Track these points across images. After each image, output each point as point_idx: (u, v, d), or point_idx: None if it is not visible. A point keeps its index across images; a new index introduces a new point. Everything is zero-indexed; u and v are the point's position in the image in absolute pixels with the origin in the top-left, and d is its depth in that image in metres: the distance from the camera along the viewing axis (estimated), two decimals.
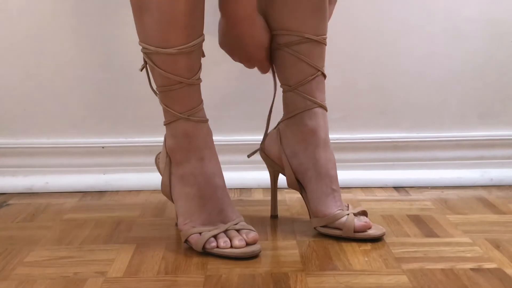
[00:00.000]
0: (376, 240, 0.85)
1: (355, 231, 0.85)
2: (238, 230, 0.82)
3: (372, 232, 0.86)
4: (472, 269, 0.75)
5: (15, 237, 0.91)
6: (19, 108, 1.17)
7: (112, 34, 1.14)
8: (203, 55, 0.85)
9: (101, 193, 1.16)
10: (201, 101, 0.85)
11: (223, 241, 0.80)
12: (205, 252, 0.80)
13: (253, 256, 0.79)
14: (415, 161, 1.19)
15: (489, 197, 1.09)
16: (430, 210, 1.01)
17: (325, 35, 0.88)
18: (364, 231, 0.86)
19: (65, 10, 1.12)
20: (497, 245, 0.83)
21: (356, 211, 0.88)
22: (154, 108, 1.17)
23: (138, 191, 1.16)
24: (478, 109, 1.19)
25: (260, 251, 0.80)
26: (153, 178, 1.17)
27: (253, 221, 0.95)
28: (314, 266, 0.77)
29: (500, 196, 1.10)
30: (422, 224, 0.94)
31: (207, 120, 0.85)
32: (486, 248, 0.82)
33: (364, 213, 0.89)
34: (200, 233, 0.81)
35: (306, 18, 0.86)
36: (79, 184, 1.17)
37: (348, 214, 0.86)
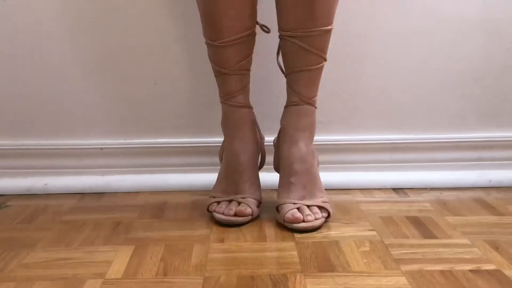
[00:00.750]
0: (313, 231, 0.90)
1: (284, 221, 0.91)
2: (240, 203, 0.94)
3: (297, 225, 0.89)
4: (471, 271, 0.75)
5: (14, 238, 0.91)
6: (18, 110, 1.17)
7: (112, 35, 1.13)
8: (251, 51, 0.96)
9: (100, 194, 1.16)
10: (238, 89, 0.96)
11: (219, 207, 0.95)
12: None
13: (232, 225, 0.93)
14: (414, 162, 1.19)
15: (488, 198, 1.10)
16: (429, 212, 1.01)
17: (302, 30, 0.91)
18: (292, 223, 0.90)
19: (65, 11, 1.12)
20: (496, 247, 0.83)
21: (313, 203, 0.92)
22: (153, 110, 1.17)
23: (136, 193, 1.16)
24: (477, 111, 1.19)
25: (241, 224, 0.93)
26: (152, 179, 1.18)
27: (253, 221, 0.95)
28: (312, 268, 0.77)
29: (499, 197, 1.10)
30: (421, 225, 0.94)
31: (242, 106, 0.97)
32: (485, 249, 0.82)
33: (325, 210, 0.93)
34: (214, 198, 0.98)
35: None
36: (78, 186, 1.17)
37: (293, 203, 0.91)
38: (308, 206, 0.92)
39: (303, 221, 0.89)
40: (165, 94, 1.16)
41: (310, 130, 0.97)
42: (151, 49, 1.14)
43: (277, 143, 1.01)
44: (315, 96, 0.96)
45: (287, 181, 0.94)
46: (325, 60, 0.93)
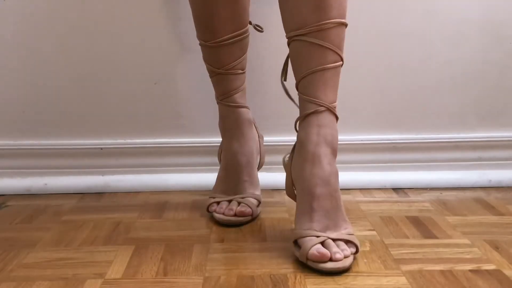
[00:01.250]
0: (339, 272, 0.75)
1: (307, 259, 0.76)
2: (240, 203, 0.95)
3: (324, 265, 0.75)
4: (471, 271, 0.75)
5: (14, 238, 0.91)
6: (17, 110, 1.17)
7: (110, 35, 1.13)
8: (243, 52, 0.95)
9: (99, 194, 1.16)
10: (234, 89, 0.97)
11: (219, 207, 0.95)
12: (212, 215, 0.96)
13: (232, 225, 0.93)
14: (414, 162, 1.19)
15: (488, 198, 1.10)
16: (429, 212, 1.01)
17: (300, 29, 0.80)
18: (318, 262, 0.75)
19: (63, 11, 1.12)
20: (496, 247, 0.83)
21: (339, 237, 0.78)
22: (152, 110, 1.17)
23: (136, 192, 1.16)
24: (477, 111, 1.19)
25: (241, 224, 0.93)
26: (152, 179, 1.18)
27: (253, 221, 0.95)
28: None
29: (499, 197, 1.10)
30: (421, 225, 0.94)
31: (239, 106, 0.97)
32: (485, 249, 0.82)
33: (352, 245, 0.79)
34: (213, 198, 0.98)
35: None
36: (77, 186, 1.17)
37: (317, 237, 0.77)
38: (334, 240, 0.78)
39: (331, 259, 0.75)
40: (165, 94, 1.16)
41: (333, 146, 0.82)
42: (151, 49, 1.14)
43: (291, 162, 0.86)
44: (334, 101, 0.82)
45: (307, 208, 0.80)
46: (342, 60, 0.82)
